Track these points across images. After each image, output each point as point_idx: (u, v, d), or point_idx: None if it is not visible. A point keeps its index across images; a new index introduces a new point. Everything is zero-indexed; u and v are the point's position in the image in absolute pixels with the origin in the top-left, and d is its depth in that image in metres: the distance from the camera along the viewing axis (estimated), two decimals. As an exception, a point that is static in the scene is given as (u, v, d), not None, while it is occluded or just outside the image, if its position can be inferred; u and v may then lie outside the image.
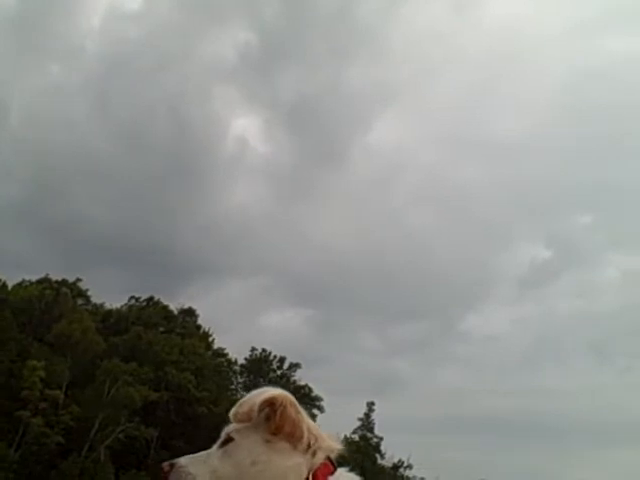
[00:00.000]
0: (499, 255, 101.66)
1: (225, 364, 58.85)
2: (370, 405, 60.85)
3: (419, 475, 61.46)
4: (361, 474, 1.95)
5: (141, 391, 42.87)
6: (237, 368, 61.05)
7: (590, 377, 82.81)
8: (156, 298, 56.71)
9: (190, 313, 58.25)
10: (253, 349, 61.78)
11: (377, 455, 59.88)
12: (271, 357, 61.91)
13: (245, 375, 61.42)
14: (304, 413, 1.88)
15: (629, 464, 67.97)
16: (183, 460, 1.84)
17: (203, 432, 45.96)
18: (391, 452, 60.95)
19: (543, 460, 68.39)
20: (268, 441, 1.81)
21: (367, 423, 60.79)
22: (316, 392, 60.02)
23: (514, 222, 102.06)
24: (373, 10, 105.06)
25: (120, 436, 42.21)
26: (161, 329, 53.89)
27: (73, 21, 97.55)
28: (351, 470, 1.91)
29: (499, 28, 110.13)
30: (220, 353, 58.74)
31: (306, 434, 1.83)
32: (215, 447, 1.89)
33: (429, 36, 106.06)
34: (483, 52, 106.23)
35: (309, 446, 1.83)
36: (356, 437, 58.31)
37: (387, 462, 60.74)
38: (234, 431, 1.87)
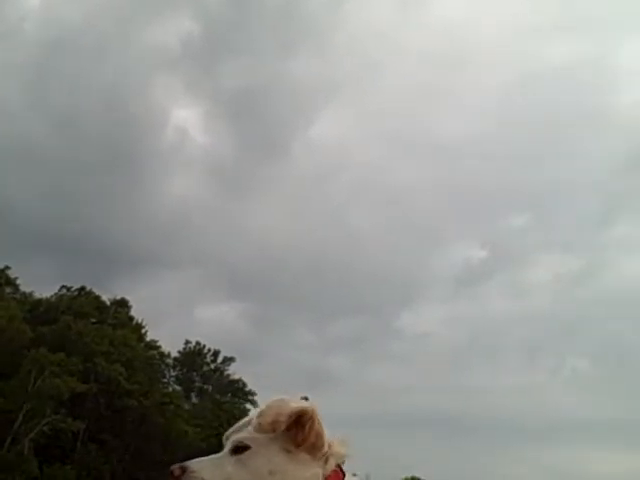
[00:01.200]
0: (436, 254, 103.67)
1: (157, 357, 58.01)
2: (303, 400, 61.11)
3: (350, 471, 62.01)
4: None
5: (68, 382, 41.86)
6: (170, 361, 60.29)
7: (522, 376, 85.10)
8: (88, 288, 55.48)
9: (123, 304, 57.13)
10: (187, 342, 61.21)
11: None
12: (205, 350, 61.41)
13: (178, 368, 60.73)
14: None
15: (559, 462, 70.71)
16: (195, 464, 1.79)
17: (132, 425, 45.28)
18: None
19: (476, 457, 70.06)
20: (289, 451, 1.79)
21: (299, 418, 61.00)
22: (250, 386, 59.90)
23: (451, 222, 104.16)
24: (319, 4, 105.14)
25: (45, 428, 41.15)
26: (92, 320, 52.69)
27: (12, 1, 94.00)
28: None
29: (444, 29, 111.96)
30: (153, 345, 57.84)
31: (326, 444, 1.83)
32: (225, 453, 1.84)
33: (374, 33, 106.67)
34: (427, 52, 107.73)
35: (324, 454, 1.83)
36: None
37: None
38: (249, 439, 1.82)
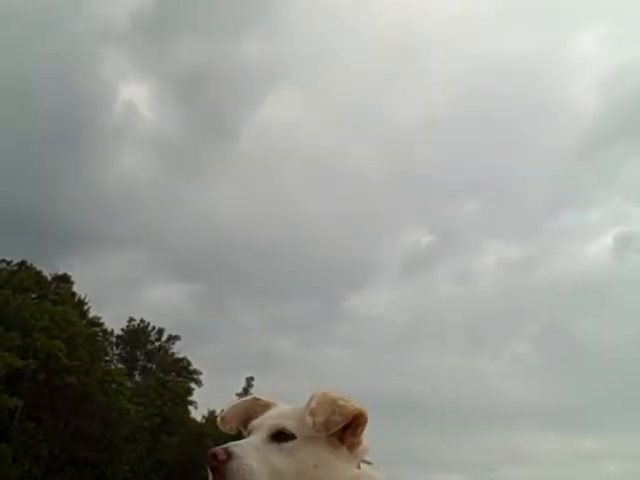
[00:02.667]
0: (385, 238, 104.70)
1: (100, 334, 57.06)
2: (249, 380, 61.17)
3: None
4: None
5: (6, 357, 40.87)
6: (113, 339, 59.40)
7: (465, 360, 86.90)
8: (29, 263, 54.06)
9: (65, 280, 55.91)
10: (131, 319, 60.40)
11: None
12: (149, 328, 60.71)
13: (122, 346, 59.92)
14: None
15: (494, 443, 72.75)
16: (239, 450, 1.71)
17: (71, 403, 44.52)
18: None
19: (419, 439, 71.17)
20: (335, 447, 1.76)
21: (244, 398, 61.02)
22: (195, 366, 59.60)
23: (401, 206, 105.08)
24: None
25: (-20, 405, 40.17)
26: (33, 295, 51.46)
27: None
28: None
29: (397, 15, 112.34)
30: (95, 322, 56.84)
31: (364, 441, 1.83)
32: (262, 437, 1.77)
33: (326, 16, 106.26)
34: (380, 37, 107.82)
35: (360, 450, 1.84)
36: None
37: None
38: (296, 428, 1.76)
